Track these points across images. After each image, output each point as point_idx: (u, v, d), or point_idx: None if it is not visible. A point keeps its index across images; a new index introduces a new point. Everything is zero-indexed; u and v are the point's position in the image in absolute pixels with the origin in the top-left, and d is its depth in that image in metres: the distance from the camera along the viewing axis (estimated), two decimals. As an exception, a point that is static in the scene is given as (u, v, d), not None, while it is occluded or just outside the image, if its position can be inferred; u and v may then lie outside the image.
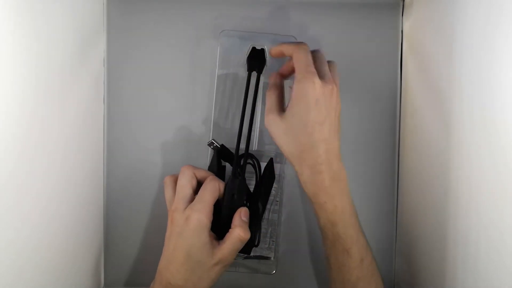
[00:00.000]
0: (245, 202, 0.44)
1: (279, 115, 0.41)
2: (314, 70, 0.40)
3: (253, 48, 0.48)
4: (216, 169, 0.46)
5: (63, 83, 0.41)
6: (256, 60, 0.47)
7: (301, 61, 0.41)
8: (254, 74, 0.47)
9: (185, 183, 0.42)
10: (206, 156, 0.51)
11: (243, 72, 0.50)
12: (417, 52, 0.49)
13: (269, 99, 0.43)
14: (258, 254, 0.50)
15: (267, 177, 0.47)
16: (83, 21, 0.46)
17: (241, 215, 0.42)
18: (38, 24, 0.36)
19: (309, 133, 0.39)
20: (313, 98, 0.39)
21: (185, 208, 0.41)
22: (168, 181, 0.44)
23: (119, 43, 0.51)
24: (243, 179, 0.44)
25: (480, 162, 0.35)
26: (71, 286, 0.44)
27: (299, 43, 0.43)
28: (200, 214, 0.40)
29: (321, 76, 0.40)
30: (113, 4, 0.51)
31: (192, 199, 0.41)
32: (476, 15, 0.36)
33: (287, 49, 0.43)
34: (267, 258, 0.50)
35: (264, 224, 0.50)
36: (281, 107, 0.43)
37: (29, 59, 0.35)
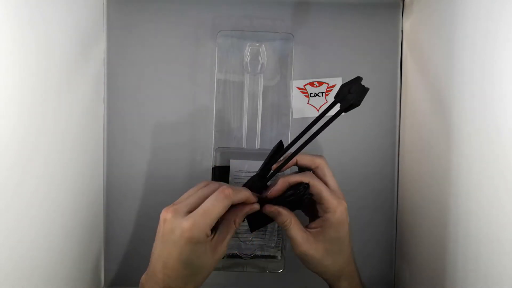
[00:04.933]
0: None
1: (313, 244, 0.42)
2: (341, 192, 0.42)
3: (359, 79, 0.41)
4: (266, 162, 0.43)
5: (63, 83, 0.41)
6: (351, 94, 0.40)
7: (335, 183, 0.42)
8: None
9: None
10: (206, 154, 0.51)
11: (241, 72, 0.50)
12: (417, 52, 0.49)
13: (297, 229, 0.42)
14: (265, 253, 0.50)
15: (296, 201, 0.42)
16: (83, 21, 0.46)
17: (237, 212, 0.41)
18: (38, 24, 0.36)
19: (347, 252, 0.43)
20: (347, 222, 0.42)
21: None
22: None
23: (119, 43, 0.51)
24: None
25: (480, 162, 0.35)
26: (71, 286, 0.45)
27: (320, 158, 0.43)
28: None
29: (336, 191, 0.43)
30: (113, 4, 0.51)
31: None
32: (476, 15, 0.36)
33: (310, 162, 0.43)
34: (273, 257, 0.51)
35: (271, 224, 0.49)
36: (307, 232, 0.43)
37: (29, 59, 0.35)
